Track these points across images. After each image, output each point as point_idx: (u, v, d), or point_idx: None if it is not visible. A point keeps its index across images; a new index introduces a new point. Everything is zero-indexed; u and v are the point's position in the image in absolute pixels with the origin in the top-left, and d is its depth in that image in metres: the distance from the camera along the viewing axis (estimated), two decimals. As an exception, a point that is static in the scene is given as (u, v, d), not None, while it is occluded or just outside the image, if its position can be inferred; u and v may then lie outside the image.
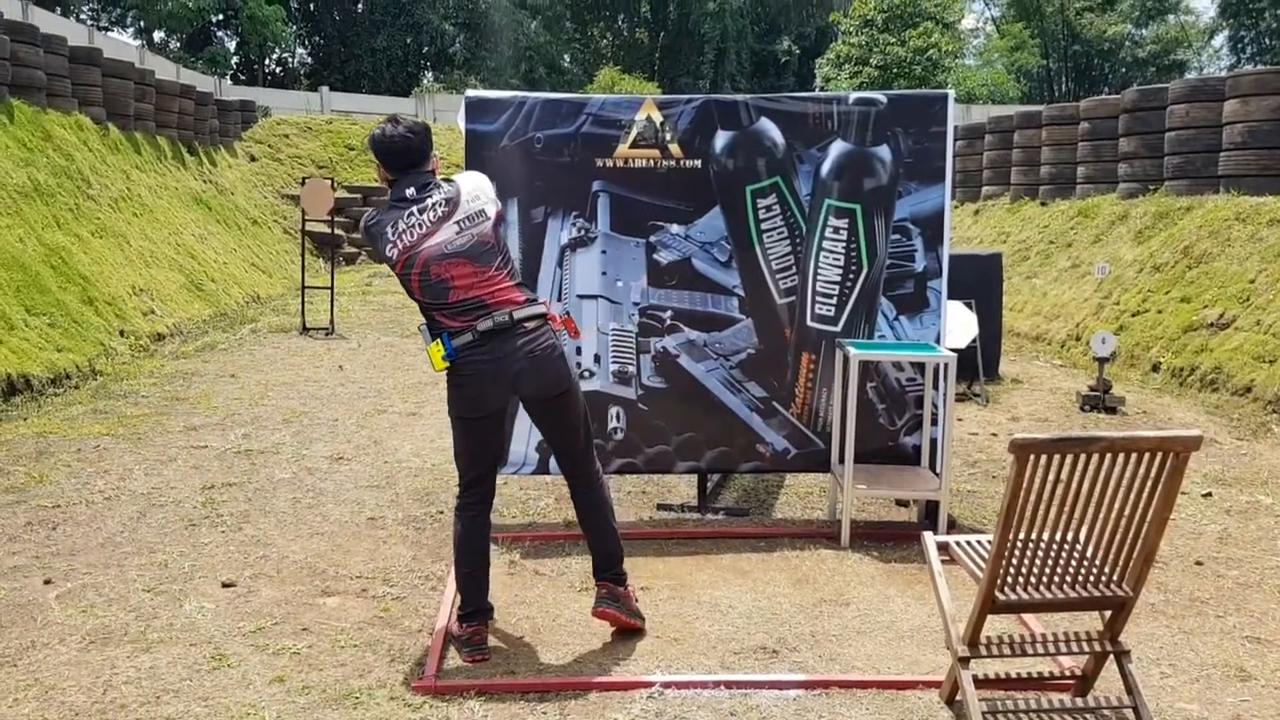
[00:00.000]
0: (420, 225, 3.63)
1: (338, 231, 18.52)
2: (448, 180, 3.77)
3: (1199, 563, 4.69)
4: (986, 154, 17.18)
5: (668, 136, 5.05)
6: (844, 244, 5.15)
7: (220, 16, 33.90)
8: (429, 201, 3.66)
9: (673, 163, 5.07)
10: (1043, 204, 15.22)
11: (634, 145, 5.05)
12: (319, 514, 5.23)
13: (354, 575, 4.44)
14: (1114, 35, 50.71)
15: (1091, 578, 3.15)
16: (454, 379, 3.67)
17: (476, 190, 3.76)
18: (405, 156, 3.74)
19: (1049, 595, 3.14)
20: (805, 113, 5.10)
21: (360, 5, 39.51)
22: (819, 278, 5.18)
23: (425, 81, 37.96)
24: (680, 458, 5.23)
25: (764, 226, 5.14)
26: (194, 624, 3.95)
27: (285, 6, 36.74)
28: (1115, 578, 3.15)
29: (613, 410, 5.18)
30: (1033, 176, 15.66)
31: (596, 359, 5.15)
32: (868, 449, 5.13)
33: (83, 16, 31.74)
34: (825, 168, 5.11)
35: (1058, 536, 3.10)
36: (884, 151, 5.12)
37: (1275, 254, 9.70)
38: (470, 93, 5.17)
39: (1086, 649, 3.28)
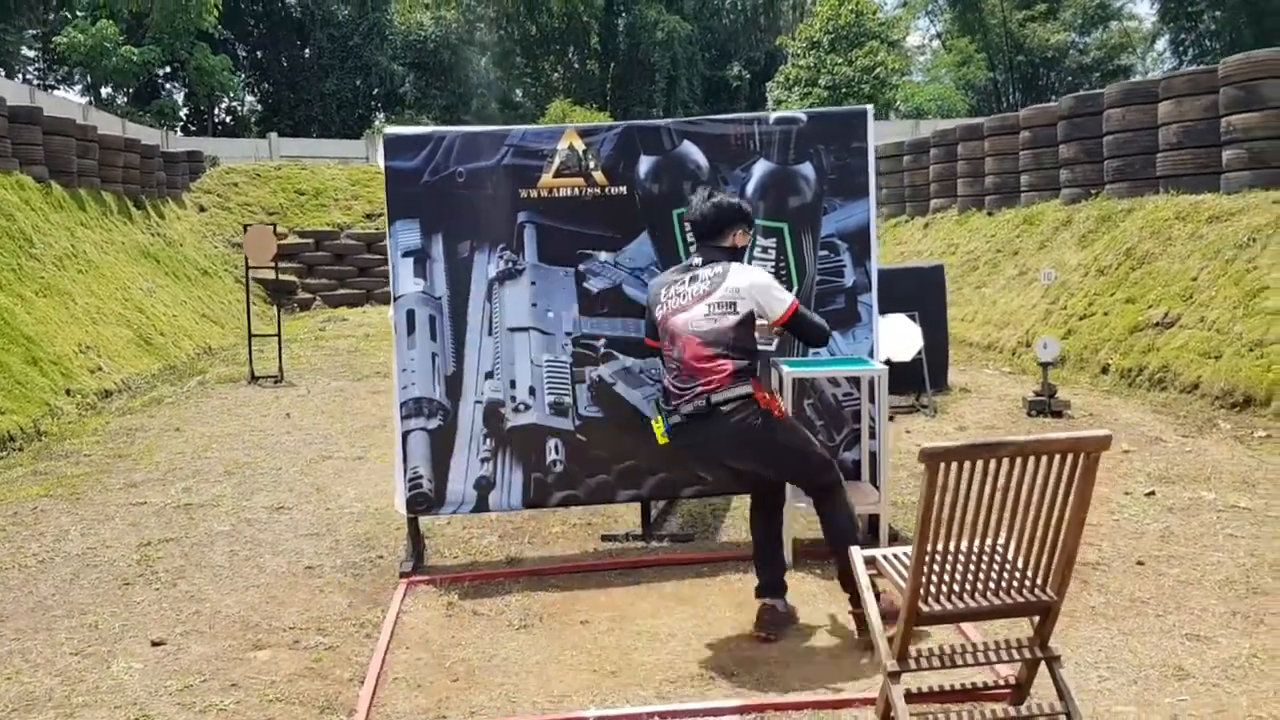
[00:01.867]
0: (681, 298, 4.08)
1: (288, 278, 18.44)
2: (725, 266, 4.10)
3: (1140, 562, 4.69)
4: (933, 168, 17.36)
5: (591, 164, 5.04)
6: (773, 262, 5.14)
7: (167, 69, 33.77)
8: (699, 275, 4.10)
9: (597, 190, 5.05)
10: (989, 214, 15.37)
11: (557, 174, 5.03)
12: (255, 565, 5.13)
13: (287, 627, 4.35)
14: (1058, 44, 51.47)
15: (1014, 584, 3.13)
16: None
17: (742, 285, 4.04)
18: (701, 228, 4.18)
19: (973, 604, 3.12)
20: (727, 134, 5.10)
21: (308, 51, 39.47)
22: (749, 298, 5.16)
23: (376, 123, 37.95)
24: (622, 487, 5.18)
25: (692, 249, 5.11)
26: (121, 685, 3.85)
27: (232, 56, 36.72)
28: (1038, 582, 3.13)
29: (551, 443, 5.13)
30: (978, 188, 15.82)
31: (532, 391, 5.10)
32: (808, 466, 5.10)
33: (29, 76, 31.55)
34: (750, 188, 5.11)
35: (977, 544, 3.08)
36: (807, 169, 5.13)
37: (1215, 251, 9.82)
38: (388, 130, 5.14)
39: (1017, 656, 3.25)
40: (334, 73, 38.73)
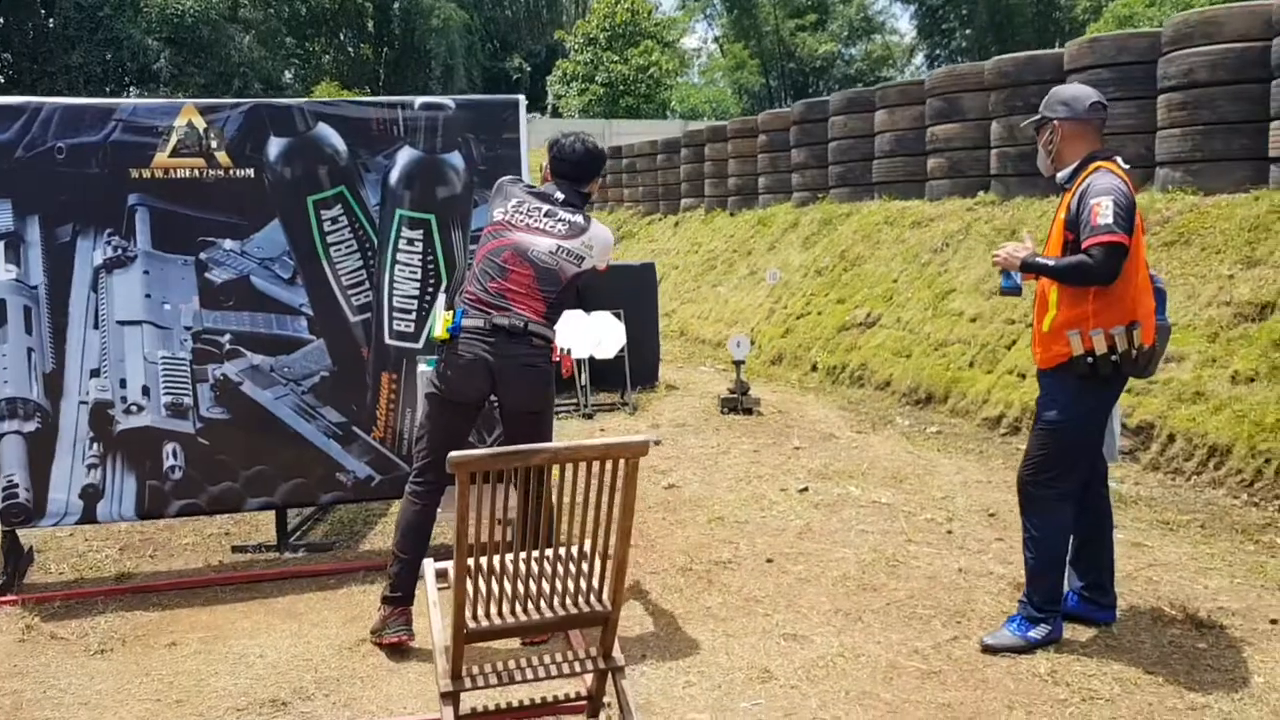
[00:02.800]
0: (534, 218, 3.95)
1: None
2: (587, 218, 4.03)
3: (770, 560, 4.73)
4: (683, 167, 17.59)
5: (213, 144, 4.66)
6: (420, 256, 4.91)
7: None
8: (560, 214, 3.97)
9: (221, 172, 4.68)
10: (731, 214, 15.70)
11: (174, 154, 4.62)
12: None
13: None
14: (826, 54, 53.67)
15: (566, 596, 3.01)
16: (448, 356, 3.87)
17: (596, 245, 3.99)
18: (572, 168, 4.07)
19: (524, 618, 2.98)
20: (368, 118, 4.83)
21: (52, 20, 36.50)
22: (396, 292, 4.91)
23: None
24: (251, 494, 4.83)
25: (330, 240, 4.83)
26: None
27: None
28: (590, 594, 3.03)
29: (168, 447, 4.72)
30: (723, 188, 16.14)
31: (145, 391, 4.68)
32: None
33: None
34: (394, 176, 4.86)
35: (524, 556, 2.95)
36: (456, 159, 4.92)
37: (914, 255, 10.29)
38: (-30, 101, 4.59)
39: (579, 668, 3.14)
40: (81, 44, 35.90)
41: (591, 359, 8.22)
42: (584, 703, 3.32)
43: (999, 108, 10.02)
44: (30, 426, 4.57)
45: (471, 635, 2.96)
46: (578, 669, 3.13)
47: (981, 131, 10.33)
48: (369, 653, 3.85)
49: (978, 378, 8.16)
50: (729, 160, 15.85)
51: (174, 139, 4.61)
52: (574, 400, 8.11)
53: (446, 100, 4.93)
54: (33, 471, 4.58)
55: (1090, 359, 3.62)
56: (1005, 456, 6.65)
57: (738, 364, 7.89)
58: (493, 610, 2.96)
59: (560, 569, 3.01)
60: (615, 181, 20.84)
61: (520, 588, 2.96)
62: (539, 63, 50.01)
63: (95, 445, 4.64)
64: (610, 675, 3.14)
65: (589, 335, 7.93)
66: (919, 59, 54.55)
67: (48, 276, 4.53)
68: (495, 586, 2.94)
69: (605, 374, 8.51)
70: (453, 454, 2.69)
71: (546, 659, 3.15)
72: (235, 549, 5.02)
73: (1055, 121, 3.81)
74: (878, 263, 10.79)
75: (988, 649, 3.76)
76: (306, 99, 4.85)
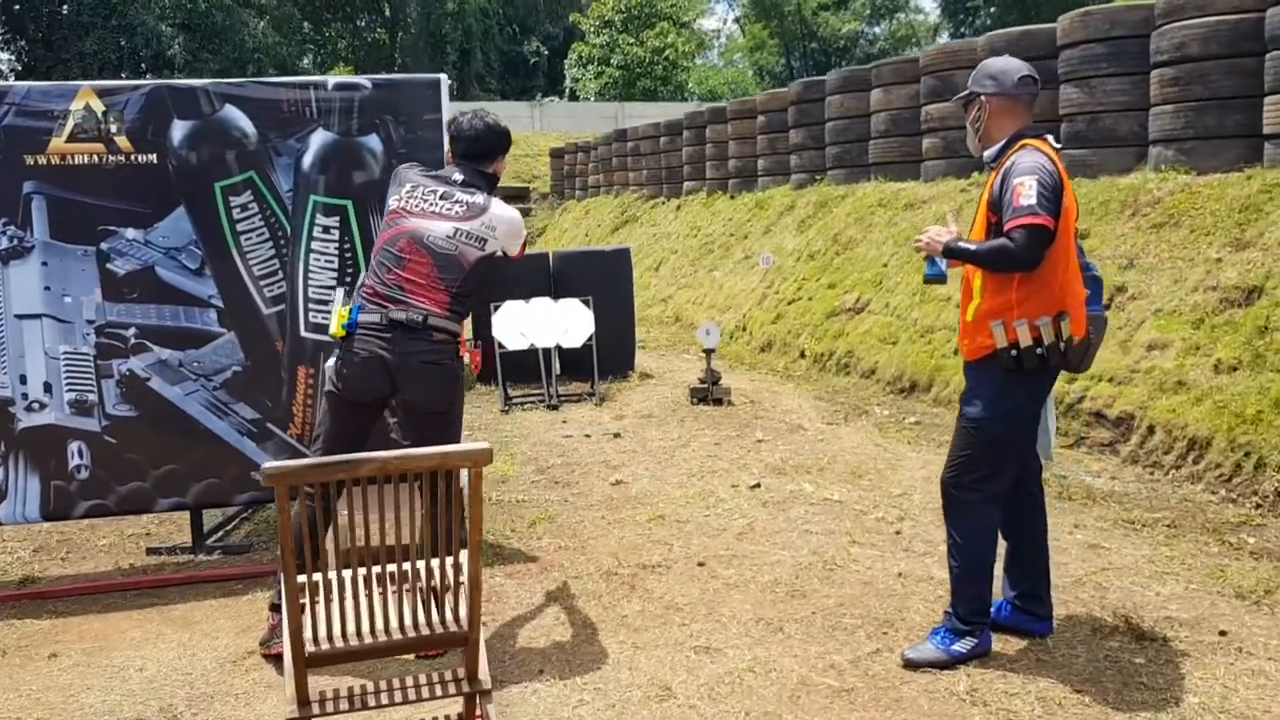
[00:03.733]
0: (429, 202, 3.71)
1: None
2: (489, 198, 3.76)
3: (702, 563, 4.47)
4: (685, 149, 17.27)
5: (113, 128, 4.44)
6: (336, 244, 4.68)
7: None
8: (457, 195, 3.72)
9: (122, 158, 4.46)
10: (731, 197, 15.38)
11: (72, 139, 4.41)
12: None
13: None
14: (848, 33, 53.07)
15: (417, 616, 2.77)
16: (344, 353, 3.66)
17: (500, 226, 3.73)
18: (470, 145, 3.81)
19: (371, 641, 2.74)
20: (278, 100, 4.59)
21: (65, 6, 36.53)
22: (311, 282, 4.69)
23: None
24: (161, 494, 4.63)
25: (240, 228, 4.60)
26: None
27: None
28: (443, 613, 2.79)
29: (73, 446, 4.53)
30: (723, 171, 15.82)
31: (47, 388, 4.48)
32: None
33: None
34: (307, 160, 4.62)
35: (363, 573, 2.71)
36: (373, 141, 4.67)
37: (905, 238, 9.95)
38: None
39: (443, 691, 2.91)
40: (95, 31, 35.89)
41: (560, 348, 7.98)
42: (462, 725, 3.09)
43: (992, 85, 9.64)
44: (-75, 425, 4.39)
45: (314, 659, 2.73)
46: (439, 692, 2.89)
47: (975, 109, 9.96)
48: (254, 666, 3.63)
49: (960, 366, 7.84)
50: (729, 142, 15.53)
51: (70, 123, 4.40)
52: (541, 391, 7.87)
53: (363, 80, 4.69)
54: (-71, 472, 4.41)
55: (1014, 352, 3.35)
56: (978, 449, 6.34)
57: (707, 352, 7.62)
58: (336, 633, 2.73)
59: (400, 588, 2.77)
60: (620, 165, 20.58)
61: (365, 608, 2.72)
62: (557, 46, 49.71)
63: (-5, 444, 4.46)
64: (477, 700, 2.90)
65: (556, 324, 7.70)
66: (943, 38, 53.82)
67: (-62, 270, 4.35)
68: (337, 607, 2.71)
69: (578, 363, 8.27)
70: (267, 465, 2.45)
71: (410, 681, 2.92)
72: (150, 551, 4.82)
73: (983, 97, 3.51)
74: (869, 246, 10.46)
75: (909, 664, 3.48)
76: (213, 80, 4.61)
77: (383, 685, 2.89)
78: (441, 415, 3.73)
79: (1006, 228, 3.27)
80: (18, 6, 37.70)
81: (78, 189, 4.44)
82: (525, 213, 24.65)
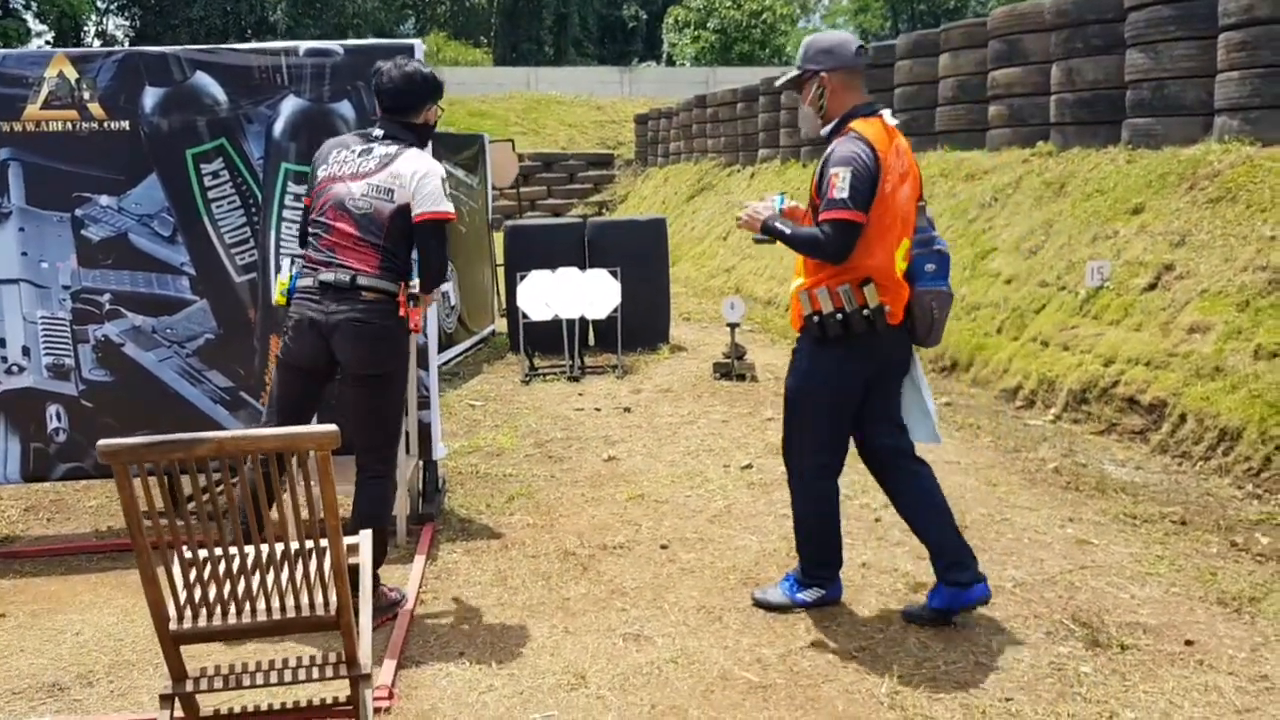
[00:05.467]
0: (349, 164, 3.63)
1: None
2: (403, 148, 3.63)
3: (664, 546, 4.33)
4: (761, 116, 16.91)
5: (86, 95, 4.46)
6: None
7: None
8: (375, 149, 3.63)
9: (95, 125, 4.48)
10: (804, 165, 14.99)
11: (46, 106, 4.44)
12: None
13: None
14: (959, -6, 51.31)
15: (283, 599, 2.71)
16: (287, 319, 3.66)
17: (405, 174, 3.58)
18: (391, 99, 3.69)
19: (235, 622, 2.69)
20: (249, 65, 4.55)
21: (175, -26, 37.72)
22: (283, 251, 4.64)
23: (245, 53, 36.36)
24: (137, 457, 4.68)
25: (212, 195, 4.60)
26: None
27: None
28: (309, 597, 2.72)
29: (51, 409, 4.60)
30: (797, 138, 15.41)
31: (25, 351, 4.56)
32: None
33: None
34: (278, 128, 4.58)
35: (223, 552, 2.65)
36: (346, 108, 4.61)
37: (962, 210, 9.56)
38: None
39: (319, 675, 2.84)
40: (202, -2, 37.04)
41: (589, 319, 7.88)
42: (348, 708, 3.03)
43: (1059, 50, 9.14)
44: (-87, 385, 4.50)
45: (182, 638, 2.69)
46: (317, 675, 2.83)
47: (1043, 76, 9.47)
48: (184, 635, 3.63)
49: (1002, 344, 7.50)
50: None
51: (45, 90, 4.43)
52: (565, 362, 7.78)
53: (334, 46, 4.62)
54: (-87, 432, 4.53)
55: (817, 318, 3.40)
56: (1002, 435, 6.04)
57: (731, 327, 7.42)
58: (202, 613, 2.68)
59: (274, 569, 2.71)
60: (700, 131, 20.28)
61: (227, 588, 2.67)
62: (656, 9, 49.23)
63: (-23, 406, 4.56)
64: (352, 684, 2.83)
65: (582, 294, 7.60)
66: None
67: (-84, 235, 4.44)
68: (199, 587, 2.66)
69: (610, 335, 8.14)
70: (101, 442, 2.40)
71: (292, 660, 2.87)
72: (128, 514, 4.89)
73: (823, 74, 3.45)
74: (926, 217, 10.06)
75: (756, 602, 3.71)
76: (184, 47, 4.59)
77: (263, 664, 2.85)
78: (375, 379, 3.62)
79: (819, 218, 3.32)
80: (133, -24, 38.95)
81: (52, 156, 4.47)
82: (608, 179, 24.59)
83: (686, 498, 4.93)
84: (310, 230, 3.69)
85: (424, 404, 4.75)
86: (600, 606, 3.79)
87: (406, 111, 3.72)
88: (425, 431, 4.76)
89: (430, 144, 3.95)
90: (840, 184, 3.25)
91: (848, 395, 3.48)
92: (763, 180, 16.21)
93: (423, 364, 4.72)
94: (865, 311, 3.32)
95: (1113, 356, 6.33)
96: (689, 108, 21.07)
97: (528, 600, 3.87)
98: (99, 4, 37.47)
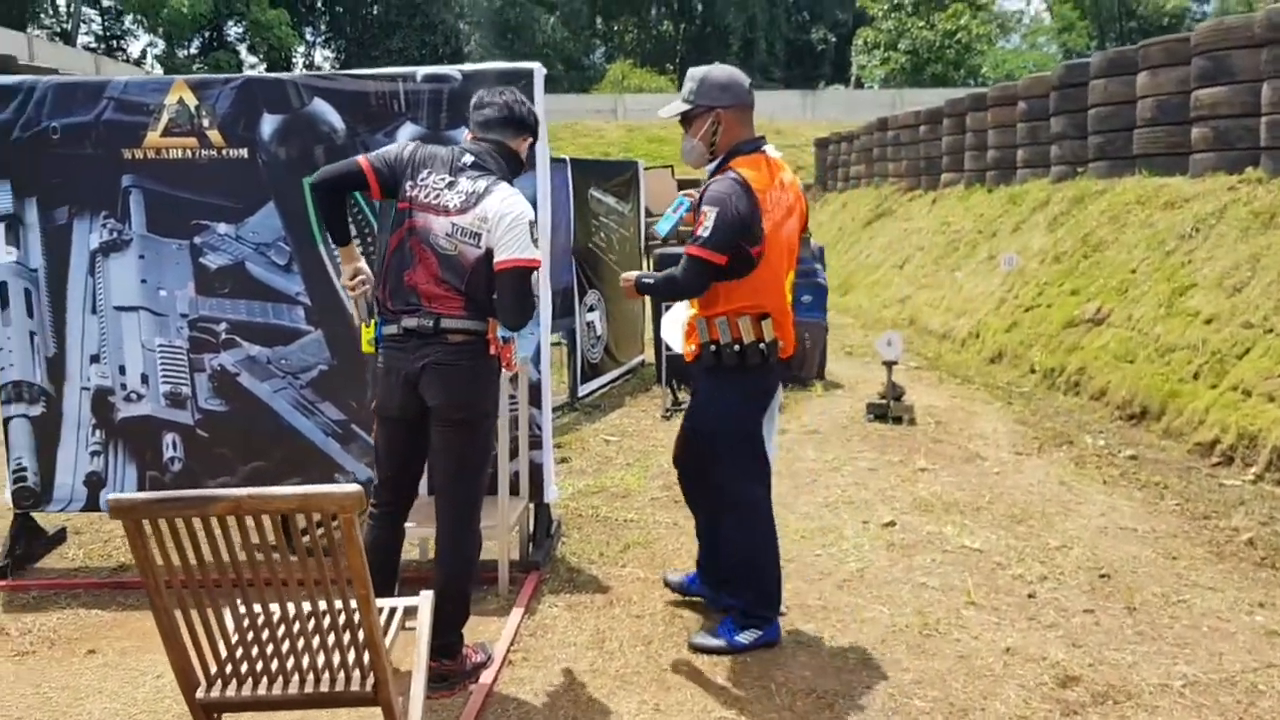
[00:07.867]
0: (434, 194, 3.34)
1: None
2: (493, 184, 3.33)
3: (782, 614, 3.88)
4: (945, 139, 16.17)
5: (205, 122, 4.41)
6: (426, 242, 4.46)
7: (229, 23, 34.09)
8: (460, 183, 3.34)
9: (214, 152, 4.43)
10: (989, 190, 14.19)
11: (166, 133, 4.42)
12: None
13: None
14: (1173, 9, 48.42)
15: (319, 672, 2.45)
16: (377, 369, 3.49)
17: (490, 218, 3.26)
18: (482, 128, 3.50)
19: (267, 694, 2.45)
20: (366, 92, 4.41)
21: (376, 7, 39.55)
22: (399, 282, 4.49)
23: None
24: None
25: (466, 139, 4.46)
26: None
27: (306, 9, 36.86)
28: (345, 673, 2.45)
29: (168, 438, 4.57)
30: (982, 162, 14.65)
31: (144, 379, 4.54)
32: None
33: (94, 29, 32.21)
34: (395, 155, 4.42)
35: (262, 618, 2.41)
36: (462, 136, 4.41)
37: (1159, 241, 8.70)
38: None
39: (358, 756, 2.58)
40: (401, 30, 38.70)
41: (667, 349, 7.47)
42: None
43: (1270, 67, 8.21)
44: (36, 410, 4.55)
45: (208, 706, 2.47)
46: (355, 755, 2.57)
47: (1252, 95, 8.54)
48: (260, 686, 3.45)
49: (1199, 392, 6.69)
50: (988, 131, 14.33)
51: (165, 117, 4.41)
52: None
53: (452, 71, 4.44)
54: (40, 456, 4.57)
55: (714, 347, 3.46)
56: (1191, 498, 5.31)
57: (888, 365, 6.87)
58: (228, 680, 2.45)
59: (298, 644, 2.45)
60: (880, 155, 19.63)
61: (264, 657, 2.43)
62: (845, 32, 48.50)
63: (97, 432, 4.57)
64: (396, 767, 2.55)
65: (667, 326, 7.21)
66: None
67: (46, 259, 4.48)
68: (231, 653, 2.44)
69: (680, 370, 7.64)
70: (112, 497, 2.20)
71: (333, 736, 2.62)
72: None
73: (719, 110, 3.50)
74: (1120, 249, 9.23)
75: (694, 648, 3.59)
76: (303, 74, 4.50)
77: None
78: (461, 424, 3.35)
79: (684, 251, 3.40)
80: (340, 8, 41.15)
81: (172, 183, 4.45)
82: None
83: (816, 557, 4.48)
84: (391, 262, 3.40)
85: (535, 443, 4.50)
86: (699, 681, 3.41)
87: (497, 140, 3.46)
88: (537, 472, 4.51)
89: (526, 175, 3.73)
90: (706, 223, 3.31)
91: (752, 423, 3.57)
92: (944, 205, 15.44)
93: (535, 401, 4.47)
94: (761, 345, 3.42)
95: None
96: (870, 131, 20.42)
97: (622, 668, 3.52)
98: (307, 37, 39.71)
